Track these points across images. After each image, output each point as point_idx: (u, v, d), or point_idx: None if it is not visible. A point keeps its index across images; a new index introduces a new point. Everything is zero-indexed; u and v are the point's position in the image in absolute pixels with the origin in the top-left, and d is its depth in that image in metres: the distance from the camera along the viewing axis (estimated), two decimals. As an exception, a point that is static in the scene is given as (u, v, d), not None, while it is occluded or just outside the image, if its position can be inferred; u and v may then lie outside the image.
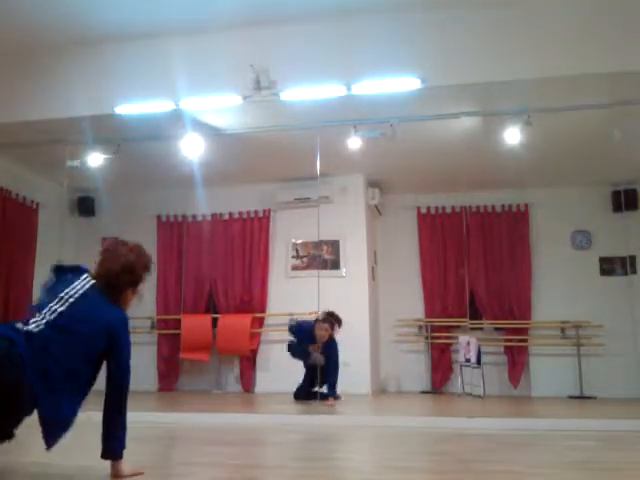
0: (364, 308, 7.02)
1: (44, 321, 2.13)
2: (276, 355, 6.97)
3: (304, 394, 5.86)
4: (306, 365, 5.94)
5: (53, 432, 2.12)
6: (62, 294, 2.23)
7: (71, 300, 2.21)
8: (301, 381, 5.95)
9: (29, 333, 2.09)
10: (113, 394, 2.29)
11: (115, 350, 2.29)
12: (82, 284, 2.29)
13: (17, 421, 2.12)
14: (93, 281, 2.33)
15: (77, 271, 2.39)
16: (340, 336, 5.89)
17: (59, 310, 2.17)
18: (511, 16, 4.90)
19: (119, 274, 2.36)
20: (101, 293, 2.32)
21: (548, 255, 7.42)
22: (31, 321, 2.13)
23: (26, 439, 2.13)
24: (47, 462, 2.62)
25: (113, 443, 2.27)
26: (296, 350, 5.95)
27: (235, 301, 7.41)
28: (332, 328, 5.78)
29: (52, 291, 2.29)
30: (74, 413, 2.18)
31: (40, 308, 2.22)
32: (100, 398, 2.30)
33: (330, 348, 5.75)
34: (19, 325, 2.13)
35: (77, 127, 5.58)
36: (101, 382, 2.32)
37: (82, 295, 2.25)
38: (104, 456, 2.28)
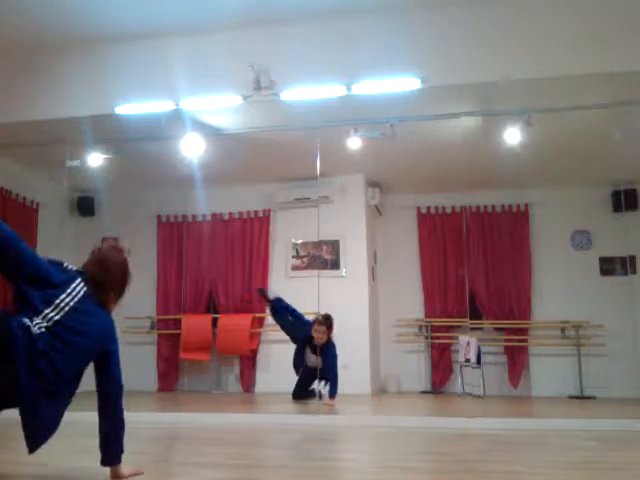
0: (364, 308, 7.02)
1: (44, 325, 2.14)
2: (276, 355, 6.97)
3: (303, 393, 5.87)
4: (303, 367, 5.92)
5: (39, 436, 2.12)
6: (58, 301, 2.21)
7: (67, 309, 2.21)
8: (297, 380, 5.94)
9: (30, 333, 2.09)
10: (107, 401, 2.30)
11: (107, 357, 2.31)
12: (77, 291, 2.28)
13: None
14: (85, 288, 2.32)
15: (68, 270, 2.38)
16: (340, 336, 5.89)
17: (55, 319, 2.17)
18: (511, 16, 4.90)
19: (102, 274, 2.37)
20: (91, 297, 2.32)
21: (548, 255, 7.41)
22: (34, 322, 2.13)
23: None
24: (47, 463, 2.62)
25: (111, 449, 2.28)
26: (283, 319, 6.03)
27: (235, 301, 7.41)
28: (330, 331, 5.77)
29: (47, 281, 2.26)
30: (60, 418, 2.19)
31: (35, 298, 2.20)
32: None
33: (327, 350, 5.75)
34: (25, 320, 2.12)
35: (77, 127, 5.58)
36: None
37: (76, 304, 2.24)
38: (104, 463, 2.28)
